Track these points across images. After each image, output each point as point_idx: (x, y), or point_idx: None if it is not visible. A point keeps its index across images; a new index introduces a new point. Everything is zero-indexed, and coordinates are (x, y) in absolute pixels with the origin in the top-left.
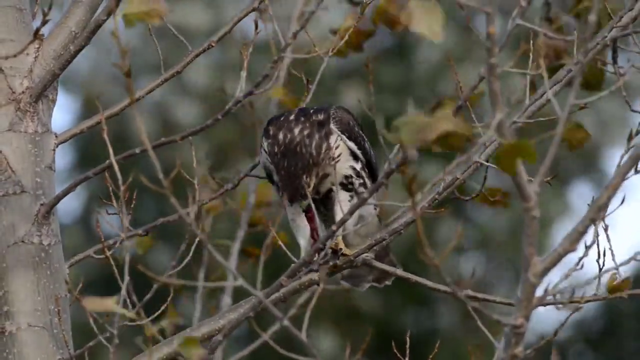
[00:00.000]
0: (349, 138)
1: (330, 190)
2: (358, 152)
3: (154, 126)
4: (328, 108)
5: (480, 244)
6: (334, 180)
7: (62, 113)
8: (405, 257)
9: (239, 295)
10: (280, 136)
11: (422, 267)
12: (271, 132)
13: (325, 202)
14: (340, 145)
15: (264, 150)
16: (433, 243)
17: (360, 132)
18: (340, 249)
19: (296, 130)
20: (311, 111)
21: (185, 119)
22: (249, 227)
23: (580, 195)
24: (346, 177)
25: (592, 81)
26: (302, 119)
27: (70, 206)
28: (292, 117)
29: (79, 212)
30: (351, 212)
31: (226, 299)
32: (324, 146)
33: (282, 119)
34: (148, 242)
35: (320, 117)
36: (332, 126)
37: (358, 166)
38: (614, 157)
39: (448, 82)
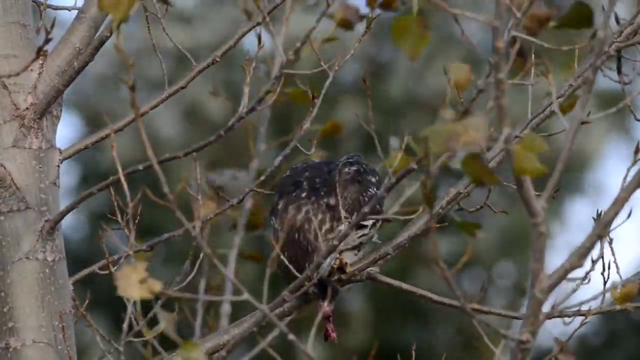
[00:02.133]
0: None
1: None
2: (365, 222)
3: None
4: (334, 179)
5: (481, 258)
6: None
7: (67, 129)
8: (402, 271)
9: (237, 304)
10: (291, 219)
11: (419, 281)
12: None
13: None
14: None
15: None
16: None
17: (369, 178)
18: (346, 263)
19: (303, 215)
20: (323, 190)
21: (169, 135)
22: (247, 230)
23: (574, 208)
24: (355, 247)
25: (581, 18)
26: (311, 200)
27: (78, 222)
28: (296, 205)
29: (87, 228)
30: (352, 227)
31: (225, 308)
32: (335, 231)
33: (294, 195)
34: (147, 256)
35: (332, 201)
36: (342, 214)
37: (369, 223)
38: (607, 169)
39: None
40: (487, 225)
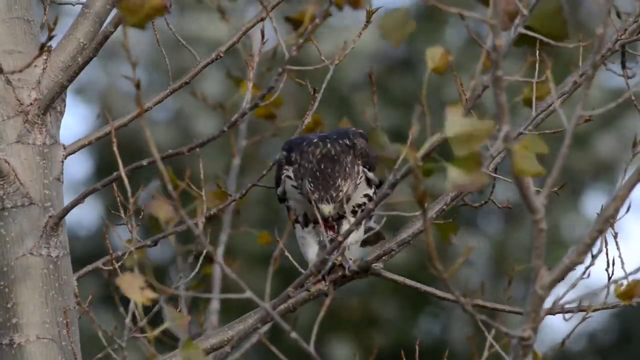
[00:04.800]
0: (369, 169)
1: (341, 217)
2: (375, 180)
3: (172, 136)
4: (348, 134)
5: (490, 255)
6: (347, 207)
7: (79, 123)
8: (416, 266)
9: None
10: (315, 150)
11: (433, 276)
12: (294, 158)
13: (334, 227)
14: (361, 175)
15: (287, 176)
16: (442, 253)
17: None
18: (350, 259)
19: (330, 146)
20: (334, 136)
21: (205, 130)
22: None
23: (596, 206)
24: (359, 205)
25: (554, 32)
26: (329, 141)
27: (84, 218)
28: (316, 140)
29: (95, 224)
30: (357, 223)
31: (214, 305)
32: (356, 168)
33: (304, 143)
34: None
35: (348, 142)
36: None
37: (371, 191)
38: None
39: (453, 90)
40: (506, 223)
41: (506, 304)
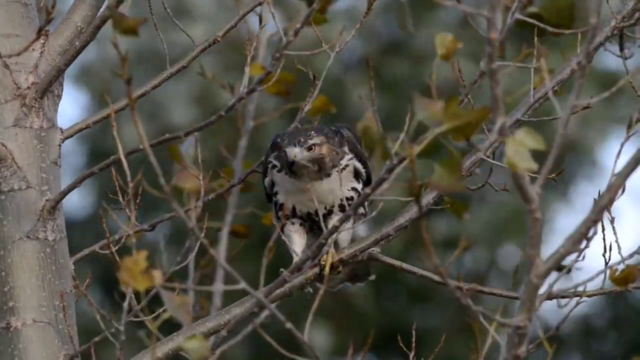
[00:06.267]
0: (359, 160)
1: (330, 212)
2: (363, 172)
3: (151, 128)
4: (336, 126)
5: (483, 239)
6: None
7: (75, 107)
8: (405, 250)
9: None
10: (300, 133)
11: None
12: (278, 145)
13: (323, 223)
14: (349, 164)
15: (273, 165)
16: (433, 237)
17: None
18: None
19: (315, 130)
20: (325, 130)
21: (182, 122)
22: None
23: (578, 190)
24: (347, 198)
25: (562, 21)
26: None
27: (81, 202)
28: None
29: (91, 208)
30: (354, 209)
31: (219, 285)
32: (342, 147)
33: (290, 131)
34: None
35: (334, 129)
36: (345, 148)
37: (359, 186)
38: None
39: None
40: (497, 206)
41: (511, 290)
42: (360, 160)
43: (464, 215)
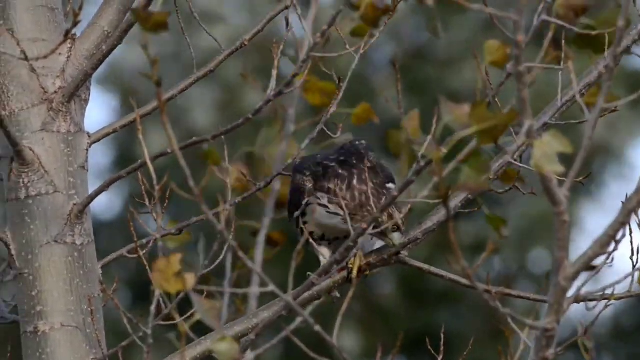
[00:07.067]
0: (390, 181)
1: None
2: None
3: (174, 133)
4: (359, 150)
5: (512, 242)
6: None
7: (102, 109)
8: (432, 253)
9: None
10: (343, 182)
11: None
12: (326, 189)
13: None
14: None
15: (321, 204)
16: (461, 240)
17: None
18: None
19: (357, 180)
20: (352, 159)
21: (205, 126)
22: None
23: (609, 191)
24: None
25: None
26: (356, 171)
27: (109, 204)
28: (335, 165)
29: (119, 210)
30: (382, 210)
31: (253, 288)
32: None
33: (329, 171)
34: (184, 238)
35: (365, 161)
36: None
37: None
38: None
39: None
40: (526, 209)
41: (539, 294)
42: (391, 180)
43: (503, 232)
